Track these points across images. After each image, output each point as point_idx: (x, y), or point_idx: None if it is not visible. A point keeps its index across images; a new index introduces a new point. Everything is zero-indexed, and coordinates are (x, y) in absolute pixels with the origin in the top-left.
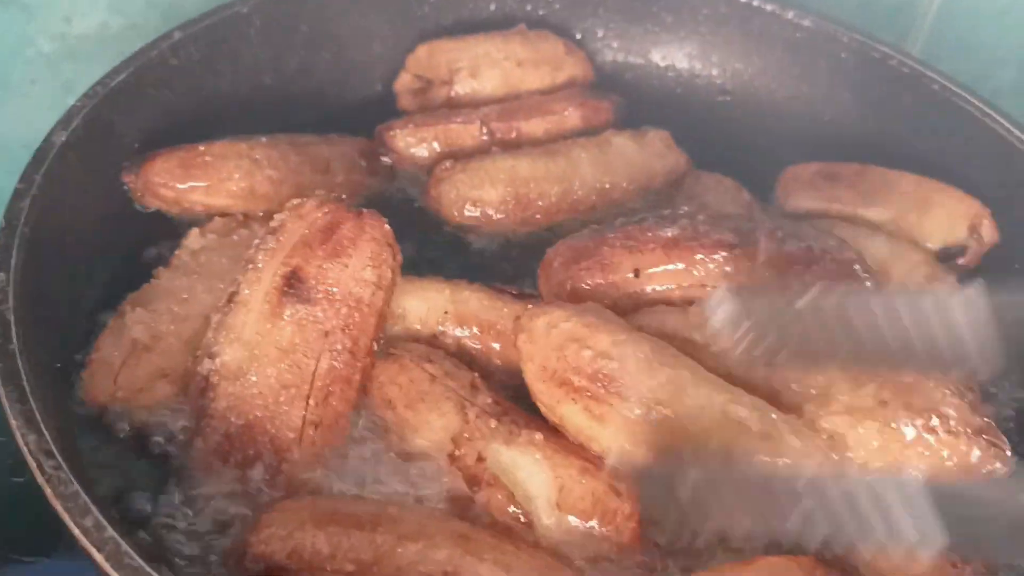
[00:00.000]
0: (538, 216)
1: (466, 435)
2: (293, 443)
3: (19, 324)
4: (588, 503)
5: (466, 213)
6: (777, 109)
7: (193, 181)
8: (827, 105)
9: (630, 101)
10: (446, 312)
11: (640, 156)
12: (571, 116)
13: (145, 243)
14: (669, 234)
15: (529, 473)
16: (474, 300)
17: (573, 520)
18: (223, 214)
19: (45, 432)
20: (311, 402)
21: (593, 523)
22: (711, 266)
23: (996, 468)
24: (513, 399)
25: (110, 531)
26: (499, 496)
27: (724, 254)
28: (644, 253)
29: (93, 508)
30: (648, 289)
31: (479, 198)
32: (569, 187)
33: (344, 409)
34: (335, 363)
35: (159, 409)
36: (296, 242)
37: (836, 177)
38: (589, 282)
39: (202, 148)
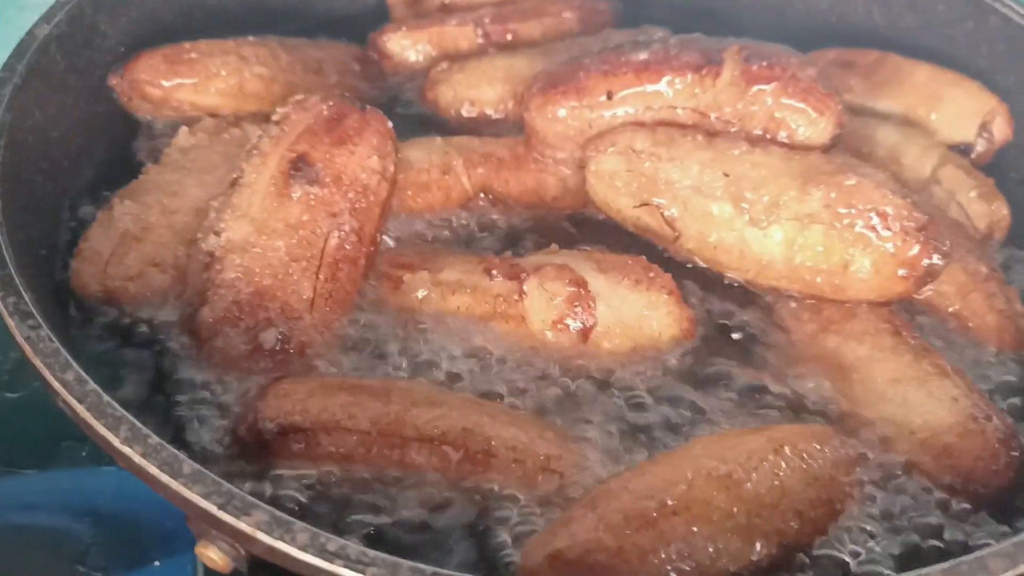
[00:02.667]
0: None
1: None
2: (304, 310)
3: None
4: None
5: (464, 113)
6: (783, 6)
7: (179, 78)
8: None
9: (628, 2)
10: (446, 152)
11: None
12: (569, 19)
13: (134, 146)
14: (641, 57)
15: None
16: (463, 139)
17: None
18: (213, 115)
19: (24, 295)
20: (321, 276)
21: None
22: (679, 87)
23: (935, 262)
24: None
25: (92, 384)
26: None
27: (691, 75)
28: (617, 76)
29: (74, 364)
30: (621, 112)
31: (477, 97)
32: None
33: (351, 289)
34: (344, 243)
35: (151, 298)
36: (302, 131)
37: (851, 65)
38: (565, 105)
39: (188, 45)
